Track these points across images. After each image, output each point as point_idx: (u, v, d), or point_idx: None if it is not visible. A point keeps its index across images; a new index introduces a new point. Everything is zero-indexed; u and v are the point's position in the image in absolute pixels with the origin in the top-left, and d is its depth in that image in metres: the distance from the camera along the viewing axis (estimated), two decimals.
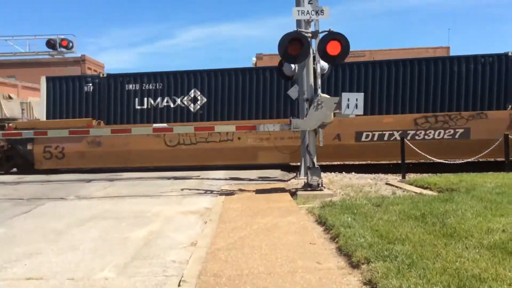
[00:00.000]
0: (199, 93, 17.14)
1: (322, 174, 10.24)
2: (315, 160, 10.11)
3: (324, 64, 10.51)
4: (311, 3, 9.82)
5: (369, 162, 15.54)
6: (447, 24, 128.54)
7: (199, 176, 13.91)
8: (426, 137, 14.60)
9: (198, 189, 11.24)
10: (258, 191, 10.33)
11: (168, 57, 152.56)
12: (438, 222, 6.21)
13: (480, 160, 13.98)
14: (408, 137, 14.06)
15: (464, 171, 11.81)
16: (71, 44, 25.87)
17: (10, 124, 17.98)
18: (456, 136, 14.51)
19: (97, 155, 15.71)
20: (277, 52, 9.82)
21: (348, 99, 9.44)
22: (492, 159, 14.95)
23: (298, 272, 4.70)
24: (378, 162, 15.51)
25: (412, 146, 12.48)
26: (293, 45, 9.48)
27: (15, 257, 5.75)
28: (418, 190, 9.84)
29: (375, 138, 14.79)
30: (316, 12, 9.73)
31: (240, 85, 17.06)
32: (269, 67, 17.27)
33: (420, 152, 12.62)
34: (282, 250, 5.50)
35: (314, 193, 9.52)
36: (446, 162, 13.21)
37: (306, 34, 9.73)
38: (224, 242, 5.97)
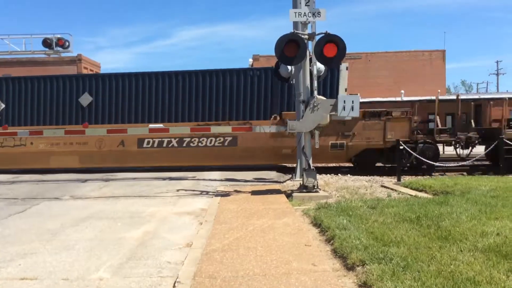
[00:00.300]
0: None
1: (318, 176, 10.25)
2: (310, 162, 10.12)
3: (321, 66, 10.55)
4: (308, 5, 9.85)
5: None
6: (443, 27, 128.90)
7: (195, 176, 13.90)
8: (199, 144, 15.84)
9: (193, 190, 11.22)
10: (254, 192, 10.33)
11: (164, 57, 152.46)
12: (433, 225, 6.23)
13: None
14: (184, 144, 15.71)
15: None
16: (67, 43, 25.79)
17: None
18: (226, 144, 15.79)
19: None
20: (273, 54, 9.83)
21: (344, 101, 9.46)
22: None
23: (293, 274, 4.70)
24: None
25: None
26: (290, 47, 9.50)
27: (9, 257, 5.72)
28: (413, 192, 9.87)
29: (155, 145, 15.82)
30: (313, 14, 9.75)
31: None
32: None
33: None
34: (278, 252, 5.51)
35: (310, 195, 9.53)
36: (444, 165, 13.27)
37: (302, 36, 9.75)
38: (219, 243, 5.97)
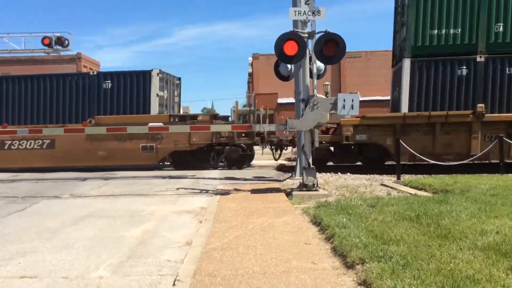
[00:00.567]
0: None
1: (318, 175, 10.25)
2: (310, 160, 10.12)
3: (320, 65, 10.54)
4: (308, 4, 9.84)
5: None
6: None
7: (194, 175, 13.90)
8: (20, 146, 16.63)
9: (193, 189, 11.22)
10: (254, 191, 10.33)
11: (164, 56, 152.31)
12: (432, 223, 6.23)
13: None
14: (6, 147, 16.63)
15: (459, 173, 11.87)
16: (66, 42, 25.79)
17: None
18: (44, 146, 16.66)
19: None
20: (273, 52, 9.82)
21: (344, 100, 9.46)
22: None
23: (293, 272, 4.70)
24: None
25: None
26: (290, 45, 9.49)
27: (9, 255, 5.72)
28: (413, 191, 9.87)
29: None
30: (313, 13, 9.74)
31: None
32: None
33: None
34: (277, 250, 5.51)
35: (310, 194, 9.53)
36: (444, 164, 13.27)
37: (302, 35, 9.74)
38: (219, 241, 5.97)
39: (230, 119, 20.99)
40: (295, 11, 9.83)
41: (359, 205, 7.74)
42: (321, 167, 13.86)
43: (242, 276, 4.63)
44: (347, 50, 9.71)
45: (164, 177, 13.41)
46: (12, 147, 16.61)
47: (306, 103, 10.03)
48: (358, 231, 5.90)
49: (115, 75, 19.10)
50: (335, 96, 9.68)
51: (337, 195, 9.72)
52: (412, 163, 14.45)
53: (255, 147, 17.06)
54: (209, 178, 13.15)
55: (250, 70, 52.78)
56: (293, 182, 11.74)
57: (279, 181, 12.45)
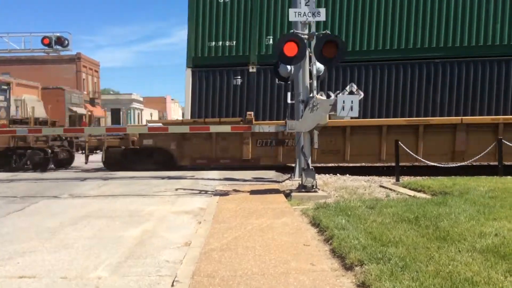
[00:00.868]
0: None
1: (317, 176, 10.26)
2: (309, 161, 10.12)
3: (320, 66, 10.54)
4: (308, 5, 9.85)
5: (363, 164, 15.62)
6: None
7: (193, 176, 13.90)
8: None
9: (192, 189, 11.22)
10: (253, 192, 10.34)
11: (164, 56, 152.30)
12: (431, 225, 6.24)
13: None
14: None
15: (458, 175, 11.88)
16: (66, 42, 25.79)
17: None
18: None
19: None
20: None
21: (344, 101, 9.47)
22: None
23: (291, 274, 4.70)
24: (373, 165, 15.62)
25: None
26: (290, 46, 9.50)
27: (8, 255, 5.72)
28: (412, 193, 9.88)
29: None
30: (313, 14, 9.76)
31: None
32: None
33: None
34: (276, 251, 5.51)
35: (309, 195, 9.54)
36: (443, 165, 13.29)
37: (302, 36, 9.76)
38: (218, 242, 5.97)
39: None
40: (295, 12, 9.84)
41: (358, 207, 7.75)
42: (113, 168, 15.37)
43: (241, 277, 4.63)
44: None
45: (163, 178, 13.41)
46: None
47: (305, 104, 10.04)
48: (357, 233, 5.91)
49: None
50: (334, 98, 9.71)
51: (336, 196, 9.73)
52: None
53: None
54: (208, 179, 13.16)
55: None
56: (292, 183, 11.75)
57: (278, 182, 12.46)
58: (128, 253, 5.75)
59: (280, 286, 4.38)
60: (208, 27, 15.84)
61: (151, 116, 72.90)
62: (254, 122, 14.27)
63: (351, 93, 15.34)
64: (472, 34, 15.51)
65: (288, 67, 11.36)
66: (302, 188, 9.89)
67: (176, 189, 11.20)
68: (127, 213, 8.30)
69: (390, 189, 10.63)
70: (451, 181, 10.62)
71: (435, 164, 13.21)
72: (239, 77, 15.73)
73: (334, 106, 9.59)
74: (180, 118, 20.17)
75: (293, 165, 13.33)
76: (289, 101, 15.35)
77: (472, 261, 4.70)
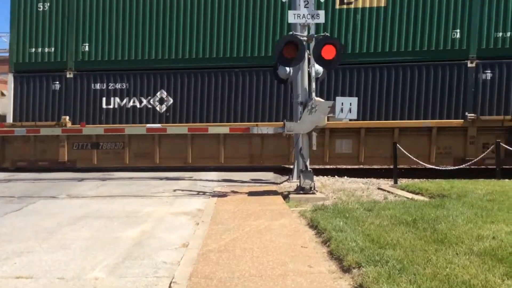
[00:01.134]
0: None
1: (315, 178, 10.26)
2: (308, 163, 10.13)
3: (319, 68, 10.55)
4: (307, 7, 9.86)
5: (361, 166, 15.65)
6: None
7: (191, 177, 13.88)
8: None
9: (190, 190, 11.22)
10: (251, 193, 10.33)
11: None
12: (429, 228, 6.24)
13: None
14: None
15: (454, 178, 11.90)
16: None
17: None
18: None
19: None
20: None
21: (342, 103, 9.48)
22: None
23: (289, 275, 4.70)
24: (370, 167, 15.66)
25: None
26: (289, 48, 9.52)
27: (5, 255, 5.71)
28: (410, 195, 9.88)
29: None
30: (312, 16, 9.77)
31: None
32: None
33: None
34: (274, 253, 5.51)
35: (307, 197, 9.54)
36: (442, 168, 13.33)
37: (301, 38, 9.77)
38: (216, 244, 5.97)
39: None
40: (294, 14, 9.85)
41: (356, 209, 7.75)
42: None
43: (238, 279, 4.63)
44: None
45: (161, 179, 13.40)
46: None
47: (304, 106, 10.05)
48: (354, 235, 5.91)
49: None
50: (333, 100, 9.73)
51: (334, 198, 9.73)
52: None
53: None
54: (206, 180, 13.14)
55: None
56: (290, 185, 11.74)
57: (277, 183, 12.46)
58: (125, 254, 5.75)
59: None
60: (29, 34, 16.49)
61: None
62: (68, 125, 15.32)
63: None
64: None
65: (287, 69, 11.36)
66: (300, 190, 9.89)
67: (174, 190, 11.19)
68: (125, 214, 8.29)
69: (388, 192, 10.64)
70: (449, 183, 10.63)
71: (433, 166, 13.23)
72: (57, 82, 16.40)
73: (332, 108, 9.60)
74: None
75: (291, 166, 13.36)
76: (103, 106, 16.14)
77: (469, 264, 4.70)
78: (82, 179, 13.44)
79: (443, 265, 4.65)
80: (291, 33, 10.23)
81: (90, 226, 7.31)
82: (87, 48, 16.25)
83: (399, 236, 5.84)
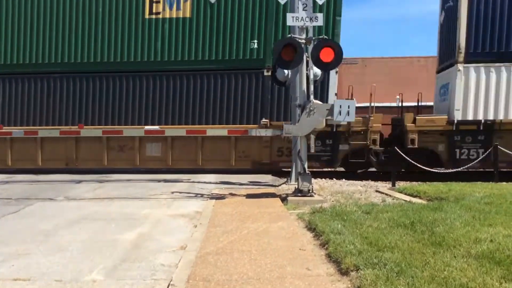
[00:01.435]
0: None
1: (313, 180, 10.26)
2: (306, 166, 10.13)
3: (317, 71, 10.56)
4: (306, 10, 9.88)
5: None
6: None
7: (189, 179, 13.86)
8: None
9: (188, 193, 11.20)
10: (249, 196, 10.32)
11: None
12: (427, 231, 6.25)
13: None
14: None
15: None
16: None
17: None
18: None
19: None
20: None
21: (340, 106, 9.49)
22: None
23: (287, 278, 4.70)
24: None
25: None
26: (287, 51, 9.52)
27: (2, 257, 5.69)
28: (408, 198, 9.89)
29: None
30: (310, 19, 9.79)
31: None
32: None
33: None
34: (272, 256, 5.50)
35: (305, 199, 9.53)
36: (441, 171, 13.34)
37: (300, 40, 9.78)
38: (213, 246, 5.96)
39: None
40: (292, 17, 9.86)
41: (354, 212, 7.75)
42: None
43: (236, 281, 4.62)
44: (343, 56, 9.76)
45: (159, 181, 13.38)
46: None
47: (302, 108, 10.05)
48: (352, 238, 5.91)
49: None
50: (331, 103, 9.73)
51: (332, 201, 9.74)
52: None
53: None
54: (204, 182, 13.13)
55: None
56: (289, 187, 11.73)
57: (275, 186, 12.45)
58: (123, 256, 5.73)
59: None
60: None
61: None
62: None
63: None
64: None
65: (285, 71, 11.38)
66: (298, 192, 9.89)
67: (172, 192, 11.18)
68: (123, 216, 8.27)
69: (386, 194, 10.64)
70: (447, 186, 10.65)
71: (431, 170, 13.24)
72: None
73: (330, 111, 9.60)
74: None
75: (289, 169, 13.35)
76: None
77: (467, 266, 4.71)
78: (80, 181, 13.41)
79: (441, 268, 4.65)
80: (289, 35, 10.24)
81: (88, 229, 7.29)
82: None
83: (397, 239, 5.84)
